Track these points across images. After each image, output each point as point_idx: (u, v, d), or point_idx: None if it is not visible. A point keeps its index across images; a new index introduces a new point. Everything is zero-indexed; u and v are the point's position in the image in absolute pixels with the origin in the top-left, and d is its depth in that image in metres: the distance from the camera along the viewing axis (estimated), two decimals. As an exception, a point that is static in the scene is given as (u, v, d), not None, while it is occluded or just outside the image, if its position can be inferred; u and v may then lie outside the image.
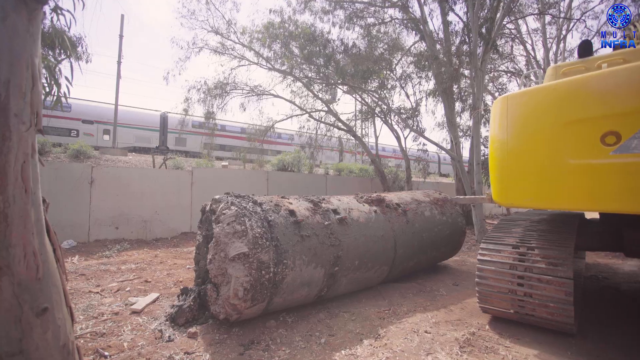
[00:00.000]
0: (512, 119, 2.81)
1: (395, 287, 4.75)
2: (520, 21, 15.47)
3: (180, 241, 7.76)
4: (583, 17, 12.41)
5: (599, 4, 14.95)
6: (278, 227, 3.35)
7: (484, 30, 9.02)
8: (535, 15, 14.59)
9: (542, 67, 16.30)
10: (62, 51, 9.31)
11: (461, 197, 4.28)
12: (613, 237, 3.99)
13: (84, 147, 11.80)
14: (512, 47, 14.77)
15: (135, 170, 8.09)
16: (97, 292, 3.95)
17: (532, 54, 16.30)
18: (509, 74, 17.12)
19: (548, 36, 16.34)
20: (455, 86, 10.21)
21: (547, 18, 16.11)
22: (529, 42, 16.73)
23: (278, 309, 3.57)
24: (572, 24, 15.91)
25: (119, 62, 17.52)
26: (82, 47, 9.43)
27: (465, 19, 9.49)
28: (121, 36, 17.45)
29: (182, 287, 4.08)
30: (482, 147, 12.07)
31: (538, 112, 2.62)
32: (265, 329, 3.27)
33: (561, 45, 16.24)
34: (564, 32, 16.13)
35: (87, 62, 9.82)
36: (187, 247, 7.08)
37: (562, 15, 15.93)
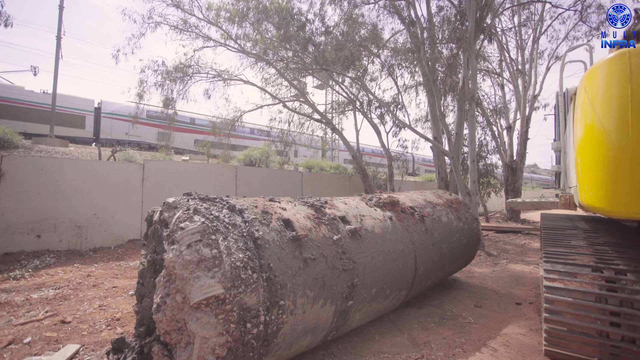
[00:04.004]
0: (642, 85, 1.83)
1: (410, 314, 3.72)
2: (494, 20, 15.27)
3: (126, 251, 6.21)
4: (574, 8, 12.17)
5: (566, 10, 15.12)
6: (270, 248, 2.15)
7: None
8: (517, 8, 14.38)
9: (517, 67, 16.27)
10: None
11: (518, 200, 3.33)
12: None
13: (8, 133, 9.60)
14: (500, 38, 14.45)
15: (66, 161, 6.38)
16: (-28, 350, 2.50)
17: (507, 52, 16.19)
18: (482, 73, 16.96)
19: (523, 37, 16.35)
20: (443, 75, 9.45)
21: (522, 17, 16.08)
22: (504, 41, 16.65)
23: (266, 369, 2.37)
24: (544, 27, 16.01)
25: (58, 38, 15.02)
26: (-3, 5, 7.45)
27: (456, 3, 8.73)
28: (61, 7, 14.96)
29: (117, 334, 2.75)
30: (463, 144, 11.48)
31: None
32: (249, 410, 2.06)
33: (535, 46, 16.28)
34: (537, 34, 16.18)
35: (6, 25, 7.85)
36: (134, 260, 5.59)
37: (537, 17, 15.98)
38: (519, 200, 3.29)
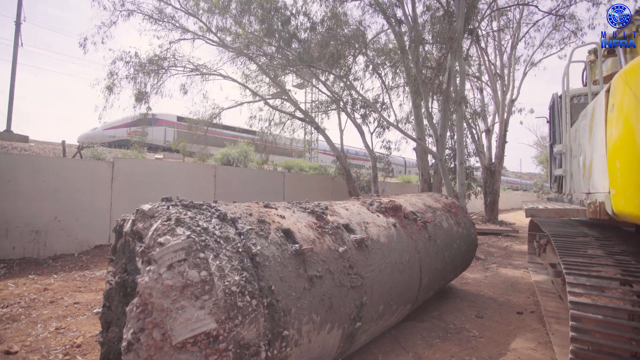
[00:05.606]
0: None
1: (412, 328, 3.44)
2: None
3: (92, 259, 5.59)
4: (555, 11, 12.41)
5: (542, 18, 15.60)
6: (270, 266, 1.78)
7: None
8: (497, 13, 14.64)
9: (496, 71, 16.58)
10: None
11: (540, 207, 3.10)
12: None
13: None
14: (481, 42, 14.62)
15: (23, 158, 5.67)
16: None
17: (487, 56, 16.45)
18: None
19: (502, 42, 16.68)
20: (432, 75, 9.34)
21: (501, 23, 16.40)
22: (483, 45, 16.93)
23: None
24: (521, 34, 16.40)
25: (17, 24, 13.80)
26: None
27: (445, 4, 8.64)
28: (21, -10, 13.77)
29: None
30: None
31: None
32: None
33: (513, 51, 16.64)
34: (515, 40, 16.57)
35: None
36: (100, 269, 5.01)
37: (514, 25, 16.34)
38: (540, 207, 3.08)
